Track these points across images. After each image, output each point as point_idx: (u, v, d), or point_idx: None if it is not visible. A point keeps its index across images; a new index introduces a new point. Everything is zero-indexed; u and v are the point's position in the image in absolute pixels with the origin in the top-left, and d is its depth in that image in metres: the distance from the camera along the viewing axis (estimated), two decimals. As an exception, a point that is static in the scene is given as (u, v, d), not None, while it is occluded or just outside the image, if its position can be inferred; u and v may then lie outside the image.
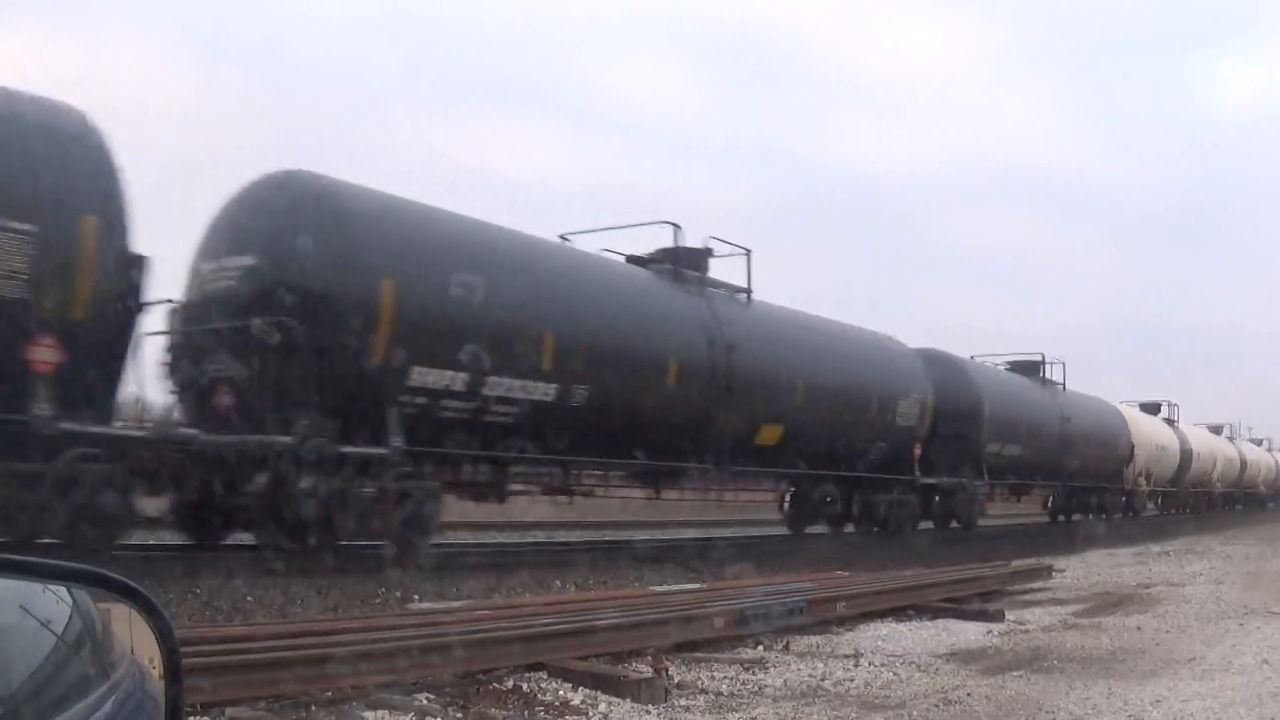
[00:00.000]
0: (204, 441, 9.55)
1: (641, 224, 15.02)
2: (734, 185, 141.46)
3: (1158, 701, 6.47)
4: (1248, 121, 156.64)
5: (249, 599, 8.64)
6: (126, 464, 8.86)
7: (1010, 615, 10.45)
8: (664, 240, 14.86)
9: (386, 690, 5.83)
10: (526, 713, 5.82)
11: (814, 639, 8.71)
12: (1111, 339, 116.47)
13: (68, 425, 8.37)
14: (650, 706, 6.00)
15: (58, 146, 8.67)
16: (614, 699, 6.09)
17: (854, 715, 6.08)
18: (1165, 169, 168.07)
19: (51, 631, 1.76)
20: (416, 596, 9.46)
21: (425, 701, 5.80)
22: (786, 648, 8.25)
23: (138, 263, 9.06)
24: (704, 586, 10.79)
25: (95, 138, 8.90)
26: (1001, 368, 24.75)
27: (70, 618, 1.80)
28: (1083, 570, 16.11)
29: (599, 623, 7.61)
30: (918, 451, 18.58)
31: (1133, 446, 29.65)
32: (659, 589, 10.47)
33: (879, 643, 8.72)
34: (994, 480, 21.67)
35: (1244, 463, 42.55)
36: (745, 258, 15.63)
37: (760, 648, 8.17)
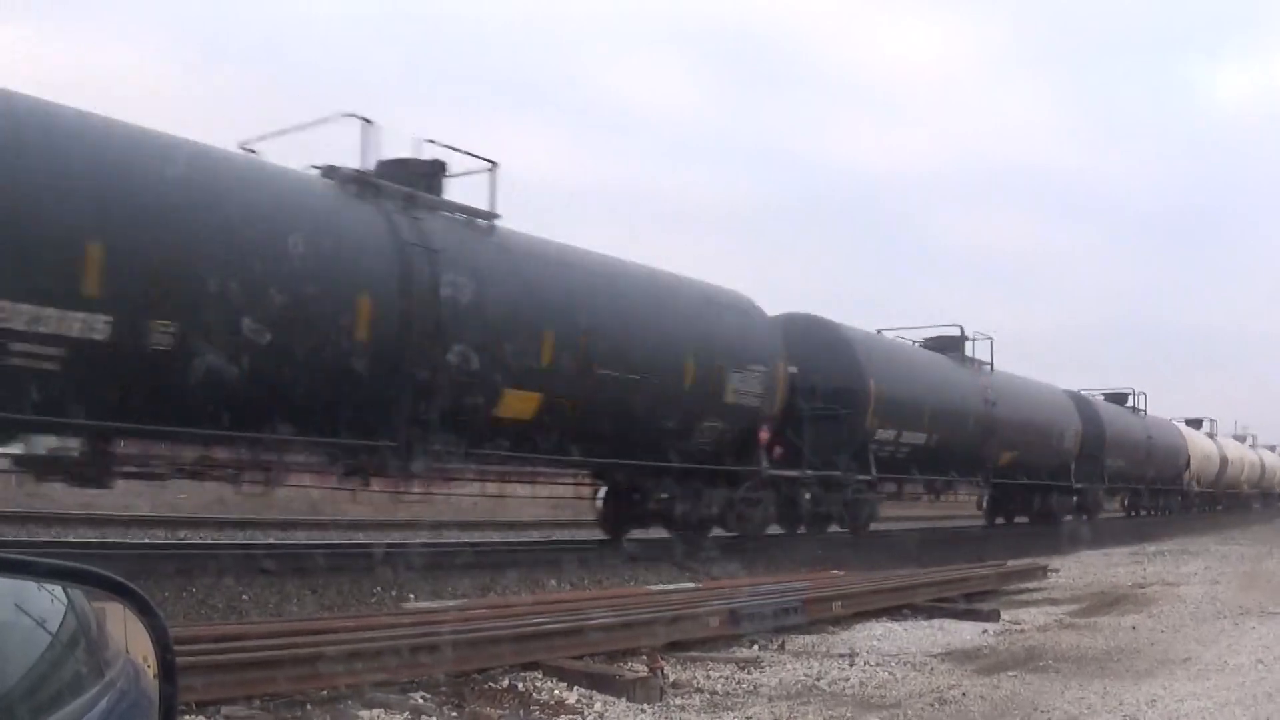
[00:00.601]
0: (816, 476, 16.26)
1: (930, 326, 22.29)
2: (734, 185, 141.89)
3: (1153, 701, 6.48)
4: (1248, 121, 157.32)
5: (244, 597, 8.63)
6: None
7: (1005, 615, 10.44)
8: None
9: (381, 689, 5.82)
10: (522, 712, 5.82)
11: (809, 638, 8.71)
12: (1111, 339, 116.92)
13: (774, 472, 15.22)
14: (645, 705, 6.00)
15: (763, 322, 15.59)
16: (609, 698, 6.09)
17: (849, 715, 6.08)
18: (1165, 169, 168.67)
19: (46, 630, 1.76)
20: (411, 595, 9.44)
21: (420, 700, 5.79)
22: (782, 647, 8.25)
23: (794, 379, 15.72)
24: (699, 586, 10.80)
25: (766, 314, 15.84)
26: (1099, 397, 31.44)
27: (65, 616, 1.79)
28: (1078, 570, 16.07)
29: (593, 622, 7.61)
30: (1073, 466, 26.33)
31: (1189, 457, 36.67)
32: (654, 588, 10.47)
33: (874, 642, 8.72)
34: (1110, 485, 29.93)
35: (1264, 467, 49.78)
36: (989, 341, 22.80)
37: (755, 647, 8.17)
